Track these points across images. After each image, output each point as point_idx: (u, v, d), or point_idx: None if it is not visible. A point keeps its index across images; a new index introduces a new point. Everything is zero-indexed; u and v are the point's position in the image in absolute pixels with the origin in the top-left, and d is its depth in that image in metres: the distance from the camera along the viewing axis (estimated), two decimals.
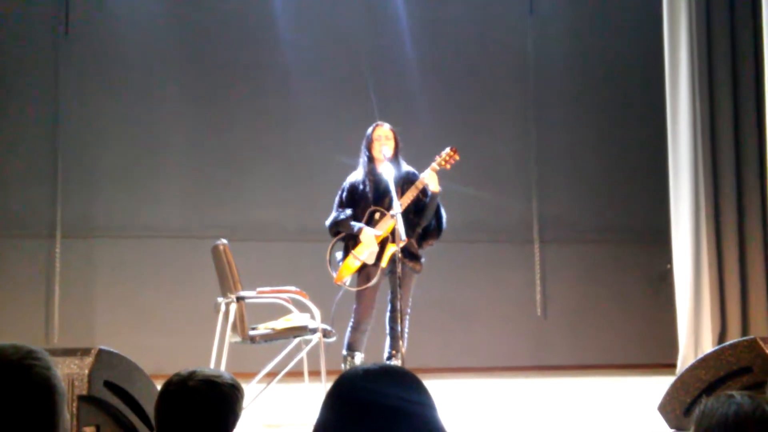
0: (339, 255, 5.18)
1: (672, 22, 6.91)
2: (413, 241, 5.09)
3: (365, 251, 5.05)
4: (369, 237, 5.04)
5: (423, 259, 5.17)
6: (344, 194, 5.22)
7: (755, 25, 6.72)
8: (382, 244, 5.04)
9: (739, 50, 6.92)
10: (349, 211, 5.15)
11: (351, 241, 5.13)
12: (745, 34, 6.88)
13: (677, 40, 6.88)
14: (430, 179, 5.03)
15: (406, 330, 4.99)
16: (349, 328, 5.15)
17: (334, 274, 5.10)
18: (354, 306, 5.15)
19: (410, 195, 5.01)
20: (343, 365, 5.15)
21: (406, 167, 5.23)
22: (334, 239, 5.18)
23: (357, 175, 5.24)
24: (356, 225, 5.09)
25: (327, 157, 6.96)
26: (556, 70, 7.98)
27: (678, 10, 6.88)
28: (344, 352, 5.16)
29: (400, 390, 1.51)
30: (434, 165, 5.07)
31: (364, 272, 5.09)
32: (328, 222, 5.22)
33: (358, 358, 5.13)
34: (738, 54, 6.91)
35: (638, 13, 7.86)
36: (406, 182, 5.11)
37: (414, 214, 5.12)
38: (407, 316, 5.04)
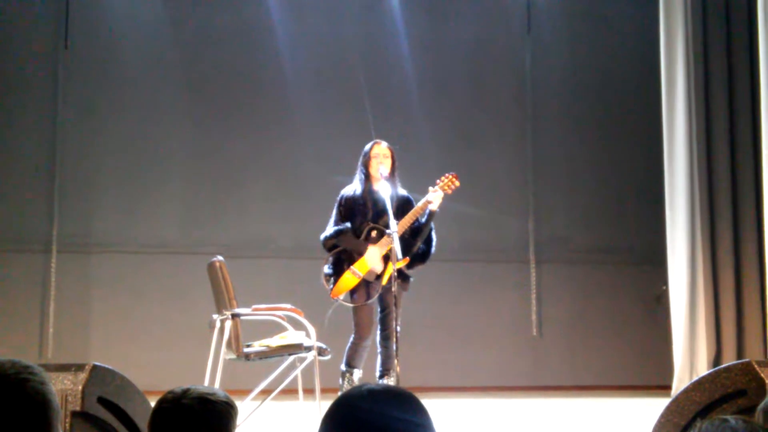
0: (326, 269, 5.14)
1: (668, 42, 6.95)
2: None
3: (367, 267, 5.04)
4: (374, 257, 5.03)
5: (412, 279, 5.18)
6: (341, 208, 5.21)
7: (751, 45, 6.76)
8: (384, 262, 5.04)
9: (735, 70, 6.95)
10: (348, 225, 5.14)
11: (346, 256, 5.12)
12: (742, 53, 6.93)
13: (674, 60, 6.92)
14: (436, 199, 5.02)
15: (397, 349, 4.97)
16: (349, 344, 5.14)
17: (330, 289, 5.09)
18: (354, 322, 5.13)
19: (411, 217, 5.01)
20: (341, 381, 5.14)
21: (401, 190, 5.23)
22: (330, 254, 5.16)
23: (354, 189, 5.23)
24: (361, 243, 5.08)
25: (323, 174, 6.97)
26: (554, 89, 8.02)
27: (674, 29, 6.92)
28: (343, 367, 5.14)
29: (403, 411, 1.51)
30: (436, 188, 5.06)
31: (363, 288, 5.08)
32: (326, 234, 5.17)
33: (357, 375, 5.11)
34: (734, 74, 6.95)
35: (635, 33, 7.91)
36: (400, 204, 5.11)
37: (410, 235, 5.11)
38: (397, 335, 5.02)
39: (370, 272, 5.05)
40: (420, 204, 5.04)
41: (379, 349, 5.12)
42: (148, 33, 7.49)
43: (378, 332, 5.14)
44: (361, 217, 5.13)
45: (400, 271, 5.02)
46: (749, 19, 6.82)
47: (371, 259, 5.05)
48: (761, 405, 2.05)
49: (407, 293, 5.19)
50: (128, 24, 7.43)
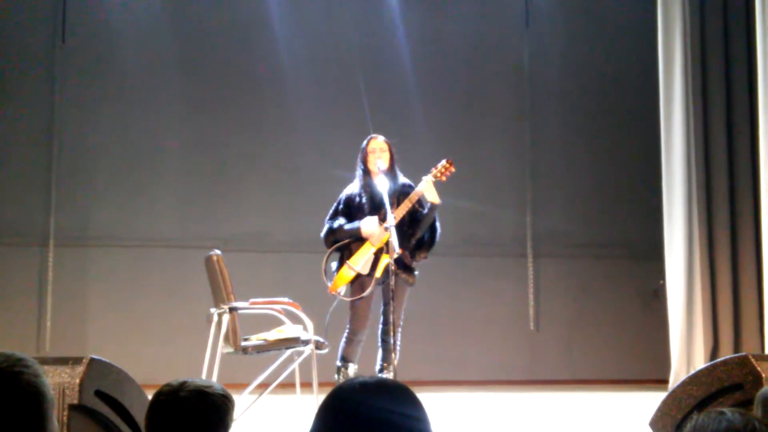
0: (334, 265, 5.18)
1: (666, 38, 6.94)
2: (407, 254, 5.09)
3: (361, 261, 5.05)
4: (372, 225, 5.02)
5: (417, 272, 5.17)
6: (340, 206, 5.22)
7: (749, 42, 6.76)
8: (377, 255, 5.05)
9: (733, 66, 6.95)
10: (342, 220, 5.15)
11: (346, 251, 5.13)
12: (740, 50, 6.92)
13: (672, 55, 6.91)
14: (426, 190, 5.03)
15: (398, 343, 4.99)
16: (343, 339, 5.15)
17: (329, 284, 5.10)
18: (348, 317, 5.14)
19: (405, 207, 5.01)
20: (336, 376, 5.14)
21: (402, 179, 5.24)
22: (330, 249, 5.17)
23: (353, 188, 5.25)
24: (354, 224, 5.09)
25: (321, 168, 6.97)
26: (552, 83, 8.01)
27: (673, 25, 6.91)
28: (338, 363, 5.15)
29: (396, 404, 1.51)
30: (429, 177, 5.07)
31: (358, 282, 5.08)
32: (323, 233, 5.21)
33: (352, 370, 5.12)
34: (732, 70, 6.95)
35: (633, 29, 7.90)
36: (401, 194, 5.11)
37: (409, 225, 5.12)
38: (399, 329, 5.03)
39: (363, 266, 5.05)
40: (411, 194, 5.05)
41: (379, 343, 5.13)
42: (145, 27, 7.48)
43: (379, 326, 5.14)
44: (360, 213, 5.14)
45: (404, 264, 5.02)
46: (747, 14, 6.81)
47: (367, 224, 5.03)
48: (760, 393, 2.06)
49: (412, 287, 5.17)
50: (125, 18, 7.41)
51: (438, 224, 5.20)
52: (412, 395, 1.55)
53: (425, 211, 5.12)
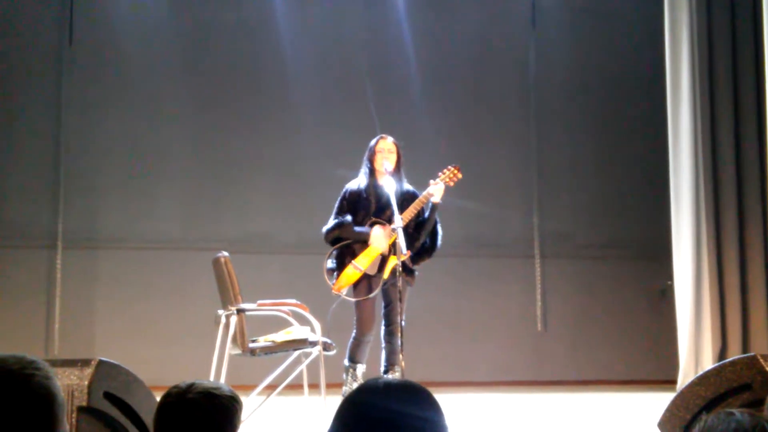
0: (330, 262, 5.14)
1: (674, 38, 6.93)
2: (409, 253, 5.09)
3: (367, 261, 5.05)
4: (381, 240, 5.02)
5: (417, 273, 5.18)
6: (345, 201, 5.21)
7: (756, 44, 6.74)
8: (384, 256, 5.05)
9: (740, 67, 6.93)
10: (349, 218, 5.14)
11: (348, 251, 5.12)
12: (747, 50, 6.91)
13: (679, 55, 6.90)
14: (437, 191, 5.03)
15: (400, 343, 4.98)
16: (351, 339, 5.15)
17: (332, 284, 5.09)
18: (355, 317, 5.14)
19: (413, 209, 5.01)
20: (344, 376, 5.14)
21: (406, 185, 5.23)
22: (332, 248, 5.16)
23: (358, 183, 5.24)
24: (364, 229, 5.08)
25: (327, 170, 6.97)
26: (558, 84, 8.00)
27: (680, 26, 6.90)
28: (346, 363, 5.15)
29: (418, 408, 1.50)
30: (438, 180, 5.07)
31: (364, 282, 5.08)
32: (328, 227, 5.17)
33: (360, 370, 5.12)
34: (739, 71, 6.93)
35: (640, 29, 7.89)
36: (405, 199, 5.11)
37: (414, 228, 5.12)
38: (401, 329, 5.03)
39: (371, 266, 5.05)
40: (421, 196, 5.04)
41: (383, 344, 5.13)
42: (152, 30, 7.49)
43: (382, 327, 5.14)
44: (364, 211, 5.14)
45: (404, 265, 5.02)
46: (754, 13, 6.80)
47: (377, 238, 5.03)
48: None
49: (412, 288, 5.19)
50: (132, 21, 7.43)
51: (440, 228, 5.20)
52: (433, 399, 1.55)
53: (426, 214, 5.12)
